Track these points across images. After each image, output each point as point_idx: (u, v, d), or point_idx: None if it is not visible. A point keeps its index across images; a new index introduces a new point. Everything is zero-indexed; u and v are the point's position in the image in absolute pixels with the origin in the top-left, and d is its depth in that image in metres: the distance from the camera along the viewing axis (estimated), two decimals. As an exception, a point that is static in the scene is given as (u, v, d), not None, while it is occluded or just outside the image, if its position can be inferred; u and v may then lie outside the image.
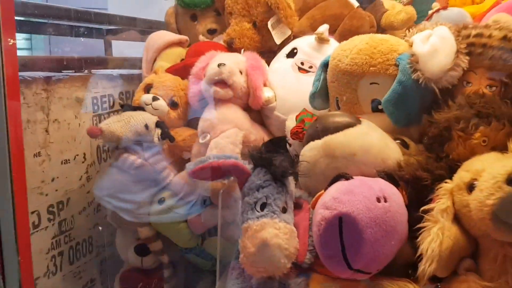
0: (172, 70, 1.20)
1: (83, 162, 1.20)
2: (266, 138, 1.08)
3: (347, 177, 0.69)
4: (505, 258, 0.64)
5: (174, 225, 1.10)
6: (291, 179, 0.74)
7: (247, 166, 0.76)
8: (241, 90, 1.07)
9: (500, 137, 0.72)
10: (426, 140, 0.80)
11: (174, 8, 1.42)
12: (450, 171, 0.72)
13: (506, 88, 0.79)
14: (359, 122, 0.77)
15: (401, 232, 0.68)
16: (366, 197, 0.65)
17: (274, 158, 0.72)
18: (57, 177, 1.10)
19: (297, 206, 0.75)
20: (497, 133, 0.72)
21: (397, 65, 0.85)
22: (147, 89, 1.16)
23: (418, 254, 0.67)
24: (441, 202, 0.68)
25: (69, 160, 1.14)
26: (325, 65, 0.98)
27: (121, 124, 1.06)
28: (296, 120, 0.95)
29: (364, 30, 1.21)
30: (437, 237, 0.65)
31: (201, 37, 1.39)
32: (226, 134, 1.03)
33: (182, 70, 1.19)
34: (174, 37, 1.30)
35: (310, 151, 0.76)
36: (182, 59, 1.29)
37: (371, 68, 0.86)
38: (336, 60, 0.92)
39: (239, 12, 1.24)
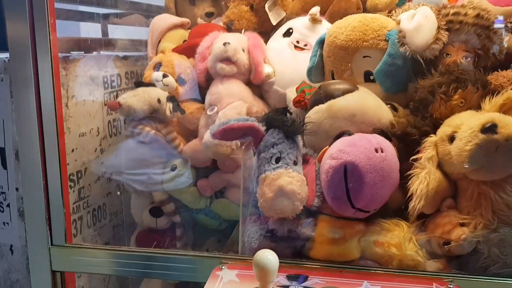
0: (178, 50, 1.30)
1: (97, 136, 1.30)
2: (266, 110, 1.21)
3: (349, 133, 0.82)
4: (479, 195, 0.78)
5: (185, 189, 1.21)
6: (300, 138, 0.87)
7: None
8: (244, 66, 1.18)
9: (475, 99, 0.86)
10: (412, 103, 0.93)
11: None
12: (434, 128, 0.86)
13: (479, 58, 0.93)
14: (356, 88, 0.90)
15: (394, 178, 0.82)
16: (366, 148, 0.78)
17: (286, 120, 0.84)
18: (76, 148, 1.19)
19: (305, 160, 0.88)
20: (472, 95, 0.86)
21: (387, 40, 0.97)
22: (157, 67, 1.27)
23: (408, 195, 0.81)
24: (427, 152, 0.81)
25: (85, 133, 1.24)
26: (321, 42, 1.10)
27: (137, 99, 1.16)
28: (296, 91, 1.07)
29: (352, 12, 1.33)
30: (425, 179, 0.79)
31: (199, 20, 1.49)
32: (233, 106, 1.14)
33: (187, 50, 1.29)
34: (177, 19, 1.39)
35: (315, 113, 0.89)
36: (185, 40, 1.40)
37: (364, 43, 0.99)
38: (333, 36, 1.04)
39: (237, -5, 1.35)
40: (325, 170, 0.80)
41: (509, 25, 0.96)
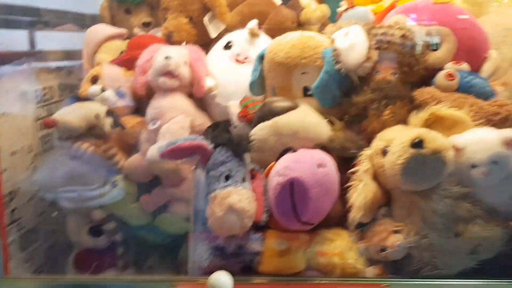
0: (117, 62, 1.29)
1: (29, 153, 1.25)
2: (209, 123, 1.23)
3: (293, 150, 0.87)
4: (411, 204, 0.86)
5: (127, 205, 1.20)
6: (247, 154, 0.90)
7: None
8: (186, 80, 1.19)
9: (403, 114, 0.94)
10: (347, 118, 1.00)
11: (108, 2, 1.49)
12: (368, 142, 0.93)
13: (405, 75, 1.01)
14: (298, 106, 0.95)
15: (336, 191, 0.87)
16: (310, 164, 0.84)
17: (233, 138, 0.87)
18: (6, 170, 1.14)
19: (252, 176, 0.92)
20: (400, 111, 0.94)
21: (323, 58, 1.03)
22: (94, 80, 1.24)
23: (348, 206, 0.87)
24: (363, 165, 0.88)
25: (16, 151, 1.19)
26: (261, 57, 1.14)
27: (74, 115, 1.14)
28: (240, 106, 1.11)
29: (287, 25, 1.39)
30: (362, 191, 0.86)
31: (136, 30, 1.48)
32: (176, 120, 1.15)
33: (127, 62, 1.28)
34: (113, 30, 1.37)
35: (260, 130, 0.93)
36: (122, 51, 1.38)
37: (302, 61, 1.04)
38: (273, 53, 1.08)
39: (176, 8, 1.36)
40: (273, 187, 0.84)
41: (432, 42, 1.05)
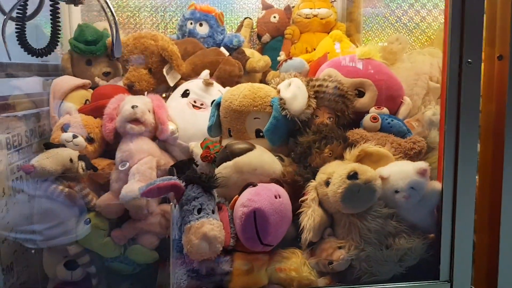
0: (85, 111, 1.41)
1: (2, 196, 1.34)
2: (171, 162, 1.39)
3: (254, 184, 1.05)
4: (350, 224, 1.07)
5: (100, 240, 1.31)
6: (214, 190, 1.07)
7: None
8: (150, 125, 1.35)
9: (339, 151, 1.16)
10: (293, 155, 1.20)
11: (69, 54, 1.61)
12: (313, 175, 1.13)
13: (338, 118, 1.24)
14: (254, 147, 1.14)
15: (289, 217, 1.06)
16: (268, 196, 1.02)
17: (203, 177, 1.04)
18: (-18, 211, 1.22)
19: (218, 208, 1.09)
20: (337, 148, 1.15)
21: (271, 106, 1.24)
22: (65, 127, 1.36)
23: (300, 228, 1.06)
24: (310, 194, 1.08)
25: (-10, 195, 1.28)
26: (217, 105, 1.33)
27: (50, 160, 1.25)
28: (202, 147, 1.28)
29: (235, 74, 1.60)
30: (311, 216, 1.05)
31: (96, 79, 1.61)
32: (144, 161, 1.30)
33: (93, 110, 1.41)
34: (79, 81, 1.50)
35: (224, 169, 1.10)
36: (87, 100, 1.51)
37: (254, 108, 1.24)
38: (228, 102, 1.27)
39: (135, 60, 1.52)
40: (239, 216, 1.02)
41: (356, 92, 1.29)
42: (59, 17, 1.03)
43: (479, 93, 1.00)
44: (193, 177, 1.04)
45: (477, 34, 0.98)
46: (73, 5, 1.04)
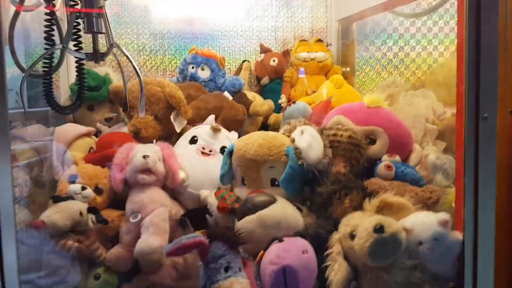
0: (92, 160, 1.38)
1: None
2: (182, 211, 1.37)
3: (280, 239, 1.05)
4: (376, 277, 1.07)
5: (110, 297, 1.28)
6: (240, 246, 1.06)
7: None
8: (161, 174, 1.33)
9: (358, 201, 1.17)
10: (312, 205, 1.21)
11: (70, 100, 1.59)
12: (335, 226, 1.14)
13: (352, 166, 1.26)
14: (276, 199, 1.14)
15: (316, 271, 1.06)
16: (296, 252, 1.02)
17: (230, 233, 1.03)
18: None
19: (243, 264, 1.07)
20: (356, 198, 1.17)
21: (287, 155, 1.24)
22: (72, 178, 1.32)
23: (328, 283, 1.06)
24: (335, 247, 1.08)
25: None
26: (229, 153, 1.33)
27: (60, 215, 1.21)
28: (216, 197, 1.27)
29: (240, 118, 1.61)
30: (338, 270, 1.05)
31: (98, 125, 1.59)
32: (157, 213, 1.27)
33: (100, 160, 1.38)
34: (84, 129, 1.47)
35: (247, 223, 1.10)
36: (91, 147, 1.48)
37: (270, 157, 1.24)
38: (242, 151, 1.27)
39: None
40: (268, 274, 1.01)
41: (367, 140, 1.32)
42: (84, 75, 1.01)
43: (495, 145, 1.05)
44: (218, 234, 1.02)
45: (492, 90, 1.03)
46: (94, 61, 1.03)
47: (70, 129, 1.46)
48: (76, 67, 1.00)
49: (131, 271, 1.30)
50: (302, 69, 1.81)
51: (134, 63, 1.00)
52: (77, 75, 1.02)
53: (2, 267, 1.02)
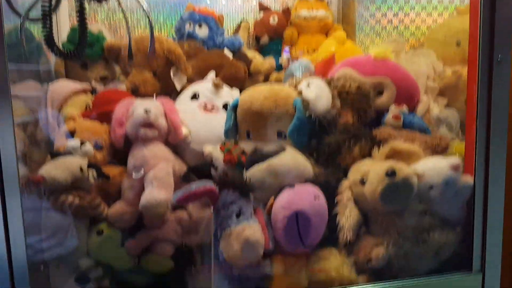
0: (90, 116, 1.34)
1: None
2: (185, 168, 1.34)
3: (291, 186, 1.03)
4: (387, 222, 1.07)
5: (114, 252, 1.25)
6: (250, 194, 1.04)
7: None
8: (163, 130, 1.30)
9: (367, 149, 1.16)
10: (319, 156, 1.19)
11: (61, 62, 1.53)
12: (344, 174, 1.13)
13: (360, 117, 1.24)
14: (285, 148, 1.12)
15: (326, 217, 1.05)
16: (309, 197, 1.01)
17: (240, 180, 1.01)
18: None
19: (253, 211, 1.06)
20: (366, 147, 1.15)
21: (294, 107, 1.22)
22: (69, 134, 1.28)
23: (337, 229, 1.05)
24: (346, 194, 1.07)
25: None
26: (234, 107, 1.30)
27: (60, 170, 1.17)
28: (222, 151, 1.24)
29: (241, 76, 1.57)
30: (349, 215, 1.05)
31: (94, 84, 1.54)
32: (160, 167, 1.24)
33: (99, 116, 1.34)
34: (79, 85, 1.42)
35: (257, 172, 1.07)
36: (88, 105, 1.43)
37: (276, 110, 1.22)
38: (248, 104, 1.24)
39: (139, 63, 1.46)
40: (280, 219, 0.99)
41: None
42: (85, 17, 0.97)
43: (508, 90, 1.04)
44: (229, 181, 1.00)
45: (507, 31, 1.02)
46: (96, 1, 0.98)
47: (65, 85, 1.40)
48: (77, 10, 0.95)
49: (134, 227, 1.27)
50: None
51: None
52: (78, 18, 0.97)
53: (7, 229, 0.98)
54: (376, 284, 1.05)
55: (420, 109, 1.30)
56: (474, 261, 1.09)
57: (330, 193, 1.10)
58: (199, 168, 1.32)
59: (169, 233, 1.25)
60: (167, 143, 1.33)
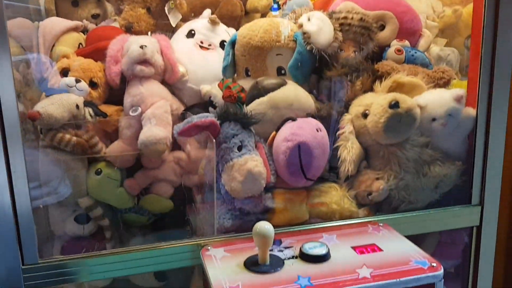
0: (84, 54, 1.29)
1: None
2: (182, 107, 1.31)
3: (293, 119, 1.02)
4: (389, 155, 1.06)
5: (113, 191, 1.24)
6: (252, 127, 1.02)
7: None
8: (160, 67, 1.26)
9: (368, 83, 1.14)
10: (321, 91, 1.17)
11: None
12: (346, 108, 1.11)
13: (363, 53, 1.21)
14: (286, 82, 1.09)
15: (328, 150, 1.04)
16: (311, 130, 0.99)
17: (241, 113, 0.99)
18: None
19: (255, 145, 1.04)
20: (368, 81, 1.13)
21: (294, 41, 1.18)
22: (64, 72, 1.24)
23: (339, 162, 1.05)
24: (348, 127, 1.06)
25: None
26: (232, 43, 1.26)
27: (56, 106, 1.14)
28: (221, 88, 1.21)
29: (237, 14, 1.52)
30: (351, 148, 1.04)
31: (85, 22, 1.48)
32: (158, 105, 1.22)
33: (93, 53, 1.30)
34: (71, 23, 1.36)
35: (258, 105, 1.05)
36: (80, 43, 1.38)
37: (276, 43, 1.18)
38: (247, 38, 1.20)
39: (133, -1, 1.40)
40: (282, 151, 0.98)
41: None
42: None
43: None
44: (230, 114, 0.98)
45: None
46: None
47: (57, 22, 1.35)
48: None
49: (133, 167, 1.26)
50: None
51: None
52: None
53: (10, 174, 0.97)
54: (376, 217, 1.06)
55: (423, 43, 1.26)
56: (474, 194, 1.10)
57: (332, 127, 1.09)
58: (197, 107, 1.30)
59: (168, 173, 1.24)
60: (163, 82, 1.30)
